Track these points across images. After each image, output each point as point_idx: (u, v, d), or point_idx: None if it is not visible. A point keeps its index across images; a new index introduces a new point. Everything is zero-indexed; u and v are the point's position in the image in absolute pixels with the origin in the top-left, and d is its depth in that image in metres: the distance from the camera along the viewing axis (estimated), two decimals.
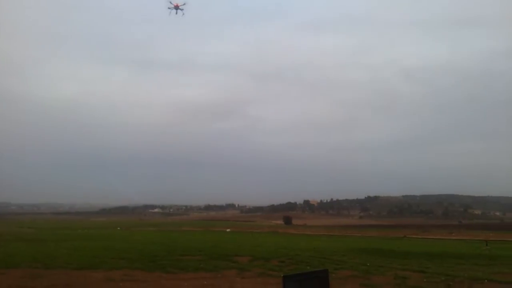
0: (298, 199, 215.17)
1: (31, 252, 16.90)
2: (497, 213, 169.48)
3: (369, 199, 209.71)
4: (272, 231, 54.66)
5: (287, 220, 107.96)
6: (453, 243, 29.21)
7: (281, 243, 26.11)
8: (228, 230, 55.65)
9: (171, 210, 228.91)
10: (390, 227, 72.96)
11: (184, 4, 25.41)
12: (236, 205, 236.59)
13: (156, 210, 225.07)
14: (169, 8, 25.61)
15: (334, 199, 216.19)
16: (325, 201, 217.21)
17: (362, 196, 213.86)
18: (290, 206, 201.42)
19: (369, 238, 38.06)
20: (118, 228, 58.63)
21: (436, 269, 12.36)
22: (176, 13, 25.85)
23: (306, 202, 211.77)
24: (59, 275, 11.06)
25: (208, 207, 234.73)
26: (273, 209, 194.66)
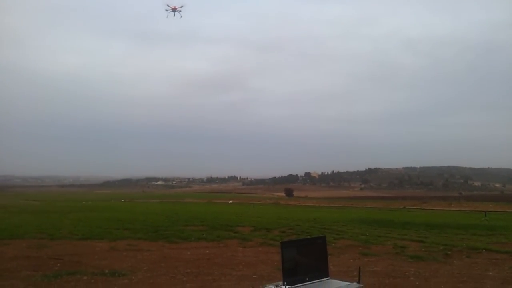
0: (299, 171, 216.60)
1: (36, 223, 17.16)
2: (497, 185, 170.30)
3: (369, 171, 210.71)
4: (273, 203, 55.16)
5: (289, 192, 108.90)
6: (453, 214, 29.48)
7: (282, 214, 26.42)
8: (230, 202, 56.20)
9: (173, 182, 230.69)
10: (390, 199, 73.41)
11: (181, 6, 24.95)
12: (238, 178, 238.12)
13: (159, 182, 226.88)
14: (166, 10, 25.09)
15: (335, 171, 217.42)
16: (326, 173, 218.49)
17: (362, 168, 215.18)
18: (292, 179, 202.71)
19: (369, 209, 38.43)
20: (122, 200, 59.28)
21: (435, 239, 12.54)
22: (174, 15, 25.44)
23: (307, 174, 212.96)
24: (64, 245, 11.27)
25: (210, 180, 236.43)
26: (275, 181, 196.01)
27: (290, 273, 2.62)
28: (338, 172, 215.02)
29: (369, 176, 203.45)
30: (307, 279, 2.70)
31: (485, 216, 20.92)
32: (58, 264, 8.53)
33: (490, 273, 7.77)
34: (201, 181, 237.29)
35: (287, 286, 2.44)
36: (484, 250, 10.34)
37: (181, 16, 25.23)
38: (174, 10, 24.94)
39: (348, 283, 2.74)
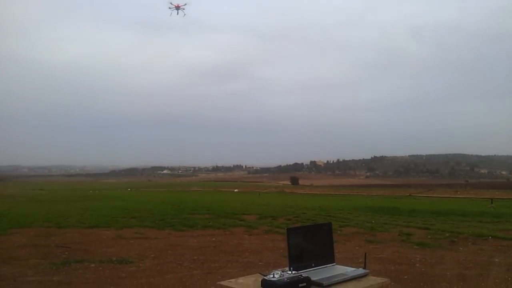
0: (305, 160, 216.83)
1: (44, 212, 17.32)
2: (504, 172, 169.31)
3: (375, 159, 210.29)
4: (279, 191, 55.30)
5: (294, 181, 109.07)
6: (458, 202, 29.40)
7: (287, 202, 26.47)
8: (235, 190, 56.36)
9: (179, 171, 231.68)
10: (396, 187, 73.35)
11: (185, 4, 24.58)
12: (244, 166, 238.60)
13: (164, 171, 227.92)
14: (169, 8, 24.71)
15: (341, 159, 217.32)
16: (331, 161, 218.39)
17: (368, 156, 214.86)
18: (297, 167, 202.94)
19: (374, 197, 38.42)
20: (128, 189, 59.62)
21: (441, 226, 12.51)
22: (177, 13, 25.06)
23: (313, 163, 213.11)
24: (71, 233, 11.39)
25: (216, 168, 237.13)
26: (280, 170, 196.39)
27: (296, 259, 2.63)
28: (344, 160, 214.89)
29: (374, 164, 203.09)
30: (313, 264, 2.70)
31: (491, 203, 20.83)
32: (66, 252, 8.62)
33: (496, 260, 7.77)
34: (207, 170, 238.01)
35: (294, 272, 2.44)
36: (490, 237, 10.32)
37: (185, 14, 25.02)
38: (177, 8, 24.69)
39: (354, 268, 2.74)
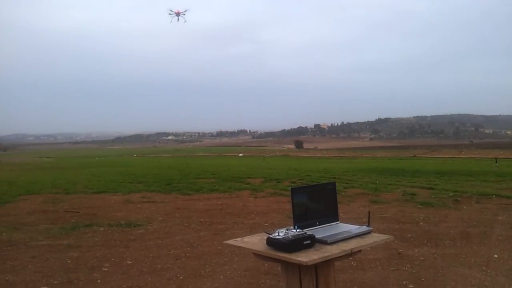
0: (309, 123, 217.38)
1: (51, 179, 17.54)
2: (508, 132, 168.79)
3: (379, 121, 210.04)
4: (283, 155, 55.48)
5: (298, 144, 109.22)
6: (463, 162, 29.42)
7: (292, 165, 26.61)
8: (240, 155, 56.63)
9: (184, 137, 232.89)
10: (401, 148, 73.35)
11: (185, 11, 23.59)
12: (248, 131, 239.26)
13: (169, 137, 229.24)
14: (169, 14, 23.74)
15: (345, 122, 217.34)
16: (335, 124, 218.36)
17: (373, 118, 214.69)
18: (301, 131, 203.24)
19: (379, 158, 38.45)
20: (134, 155, 60.05)
21: (445, 186, 12.58)
22: (178, 20, 24.10)
23: (317, 126, 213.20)
24: (79, 199, 11.56)
25: (220, 133, 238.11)
26: (284, 134, 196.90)
27: (301, 217, 2.66)
28: (348, 123, 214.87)
29: (379, 126, 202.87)
30: (317, 223, 2.73)
31: (496, 163, 20.85)
32: (75, 217, 8.79)
33: (500, 218, 7.84)
34: (211, 135, 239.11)
35: (298, 230, 2.48)
36: (494, 196, 10.38)
37: (185, 21, 24.11)
38: (177, 14, 23.81)
39: (358, 226, 2.78)
